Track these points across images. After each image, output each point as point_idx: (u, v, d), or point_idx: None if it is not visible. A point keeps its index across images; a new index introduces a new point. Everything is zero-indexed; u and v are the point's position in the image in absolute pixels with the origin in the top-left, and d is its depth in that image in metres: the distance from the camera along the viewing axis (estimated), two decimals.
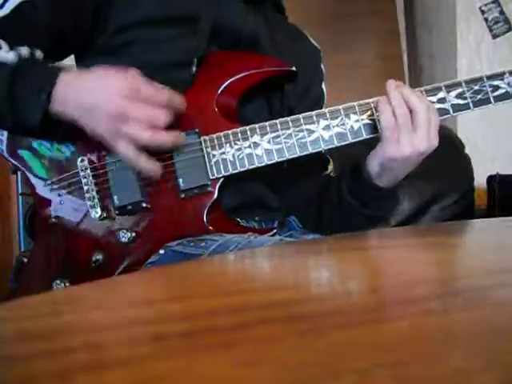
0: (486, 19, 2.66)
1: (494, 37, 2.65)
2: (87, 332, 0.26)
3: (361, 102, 0.77)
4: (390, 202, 0.83)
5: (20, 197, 0.78)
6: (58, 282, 0.74)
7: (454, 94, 0.77)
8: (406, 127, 0.72)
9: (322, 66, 0.99)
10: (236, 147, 0.76)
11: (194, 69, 0.78)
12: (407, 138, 0.72)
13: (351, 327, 0.26)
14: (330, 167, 0.94)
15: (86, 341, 0.25)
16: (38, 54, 0.73)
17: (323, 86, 0.98)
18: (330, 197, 0.86)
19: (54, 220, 0.74)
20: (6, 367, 0.21)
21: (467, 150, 1.67)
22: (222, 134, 0.76)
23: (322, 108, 0.95)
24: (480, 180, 1.75)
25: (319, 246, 0.69)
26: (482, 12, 2.66)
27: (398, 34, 2.96)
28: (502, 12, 2.64)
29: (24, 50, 0.71)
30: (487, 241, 0.64)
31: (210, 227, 0.76)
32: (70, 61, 0.84)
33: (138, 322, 0.28)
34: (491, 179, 1.79)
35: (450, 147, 1.64)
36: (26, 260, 0.79)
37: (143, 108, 0.67)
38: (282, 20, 0.97)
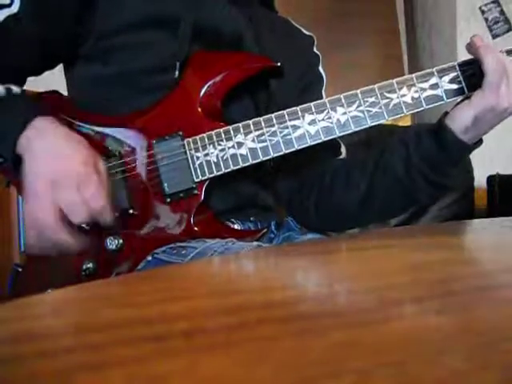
0: (486, 19, 2.66)
1: (494, 37, 2.65)
2: (87, 332, 0.26)
3: (347, 93, 0.75)
4: (460, 168, 0.80)
5: (20, 196, 0.78)
6: (50, 291, 0.74)
7: (447, 78, 0.75)
8: (511, 77, 0.70)
9: (316, 50, 0.98)
10: (220, 148, 0.75)
11: (177, 73, 0.77)
12: (507, 90, 0.70)
13: (351, 327, 0.26)
14: (343, 150, 0.92)
15: (86, 341, 0.25)
16: (15, 90, 0.72)
17: (321, 69, 0.97)
18: (385, 168, 0.80)
19: None
20: (6, 367, 0.21)
21: None
22: (205, 135, 0.75)
23: (321, 91, 0.95)
24: (480, 180, 1.75)
25: (318, 247, 0.69)
26: (482, 12, 2.66)
27: (398, 33, 2.96)
28: (502, 12, 2.64)
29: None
30: (487, 241, 0.64)
31: (198, 230, 0.75)
32: (59, 69, 0.84)
33: (138, 321, 0.28)
34: (491, 179, 1.79)
35: None
36: (20, 270, 0.79)
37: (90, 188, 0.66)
38: (270, 15, 0.96)
